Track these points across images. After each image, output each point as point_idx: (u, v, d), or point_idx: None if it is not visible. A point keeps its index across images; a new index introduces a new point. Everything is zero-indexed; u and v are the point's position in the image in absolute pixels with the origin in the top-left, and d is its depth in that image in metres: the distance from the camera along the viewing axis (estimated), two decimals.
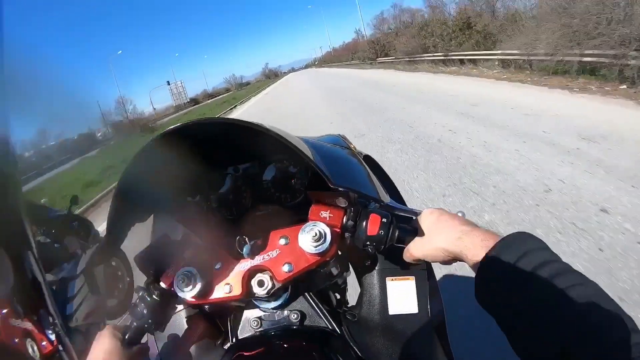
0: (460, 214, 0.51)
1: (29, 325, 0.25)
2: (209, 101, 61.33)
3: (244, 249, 0.51)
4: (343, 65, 40.30)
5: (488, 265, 0.38)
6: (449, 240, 0.45)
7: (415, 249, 0.51)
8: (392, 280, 0.59)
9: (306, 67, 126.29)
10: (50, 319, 0.27)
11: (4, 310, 0.22)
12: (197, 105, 60.35)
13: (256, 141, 0.50)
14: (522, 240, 0.38)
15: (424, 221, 0.50)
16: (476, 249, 0.41)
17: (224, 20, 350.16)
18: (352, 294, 0.68)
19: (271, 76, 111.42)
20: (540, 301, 0.33)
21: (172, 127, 0.49)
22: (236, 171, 0.64)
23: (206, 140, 0.58)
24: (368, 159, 0.76)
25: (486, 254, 0.39)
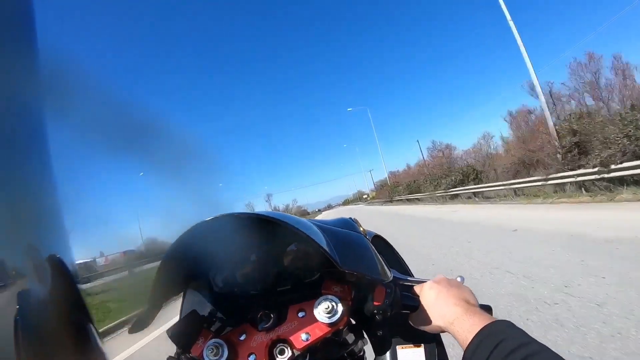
0: (459, 279, 0.59)
1: None
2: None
3: (261, 324, 0.58)
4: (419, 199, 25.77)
5: (470, 352, 0.45)
6: (445, 322, 0.53)
7: (417, 321, 0.58)
8: (403, 348, 0.64)
9: (344, 203, 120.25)
10: None
11: None
12: None
13: (277, 227, 0.59)
14: (501, 329, 0.44)
15: (425, 296, 0.58)
16: (464, 333, 0.47)
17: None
18: None
19: None
20: None
21: (205, 219, 0.59)
22: (260, 252, 0.70)
23: (237, 227, 0.67)
24: (378, 238, 0.88)
25: (469, 343, 0.45)
